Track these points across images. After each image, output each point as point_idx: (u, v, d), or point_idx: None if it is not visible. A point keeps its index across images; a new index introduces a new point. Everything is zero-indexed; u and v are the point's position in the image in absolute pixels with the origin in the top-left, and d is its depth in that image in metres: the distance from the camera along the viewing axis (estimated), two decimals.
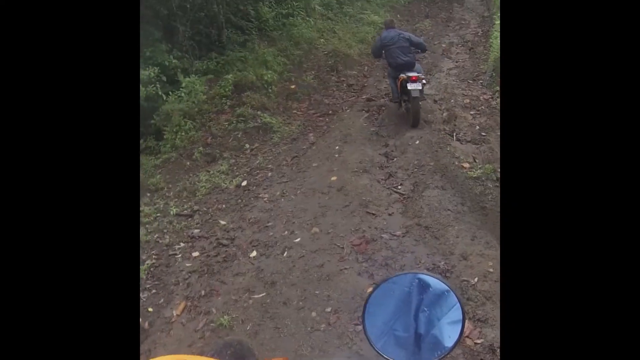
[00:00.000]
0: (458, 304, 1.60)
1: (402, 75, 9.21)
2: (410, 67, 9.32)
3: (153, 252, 7.05)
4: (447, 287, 1.66)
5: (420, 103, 9.30)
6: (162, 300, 6.13)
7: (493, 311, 5.13)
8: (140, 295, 6.20)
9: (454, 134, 9.36)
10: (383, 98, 11.75)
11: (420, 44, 9.64)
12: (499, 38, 12.30)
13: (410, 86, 8.89)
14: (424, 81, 9.15)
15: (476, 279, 5.58)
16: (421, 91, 9.06)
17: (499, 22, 14.35)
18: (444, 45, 15.93)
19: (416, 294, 1.67)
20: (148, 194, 8.51)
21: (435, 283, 1.67)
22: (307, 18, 15.41)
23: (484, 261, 5.82)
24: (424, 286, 1.67)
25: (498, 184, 7.57)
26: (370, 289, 4.81)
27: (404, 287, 1.69)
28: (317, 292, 5.73)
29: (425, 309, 1.66)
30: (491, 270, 5.67)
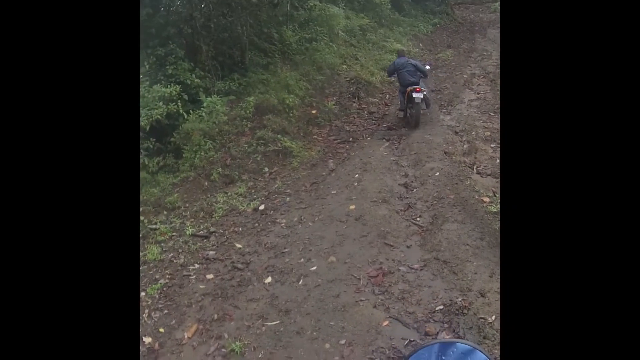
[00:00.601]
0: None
1: (409, 89, 11.17)
2: (415, 85, 11.21)
3: (167, 271, 7.00)
4: (471, 347, 1.64)
5: (421, 109, 11.35)
6: (173, 321, 6.07)
7: None
8: (152, 314, 6.15)
9: (475, 167, 9.31)
10: (404, 127, 11.72)
11: (423, 71, 11.77)
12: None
13: (414, 94, 11.05)
14: (425, 92, 11.22)
15: (494, 317, 5.50)
16: (422, 99, 11.16)
17: None
18: (465, 76, 15.94)
19: None
20: (165, 212, 8.49)
21: (463, 348, 1.65)
22: (330, 43, 15.51)
23: None
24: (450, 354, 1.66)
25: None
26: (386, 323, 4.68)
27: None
28: (331, 322, 5.65)
29: None
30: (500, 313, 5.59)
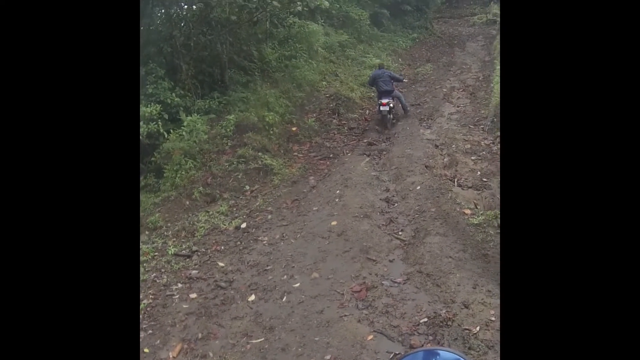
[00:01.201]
0: None
1: (379, 101, 12.80)
2: (389, 93, 12.91)
3: (150, 291, 6.95)
4: (456, 356, 1.65)
5: (387, 116, 12.85)
6: (158, 341, 6.02)
7: None
8: None
9: (455, 180, 9.37)
10: (384, 142, 11.80)
11: (397, 79, 13.52)
12: (499, 83, 12.43)
13: (381, 108, 12.68)
14: (391, 105, 12.72)
15: (478, 328, 5.51)
16: (388, 111, 12.69)
17: (499, 67, 14.52)
18: (445, 90, 16.06)
19: None
20: (147, 232, 8.45)
21: (447, 356, 1.67)
22: (310, 60, 15.56)
23: (486, 310, 5.75)
24: None
25: (499, 230, 7.54)
26: (370, 337, 4.66)
27: None
28: (316, 338, 5.64)
29: None
30: (493, 319, 5.60)
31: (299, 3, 12.46)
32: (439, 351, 1.69)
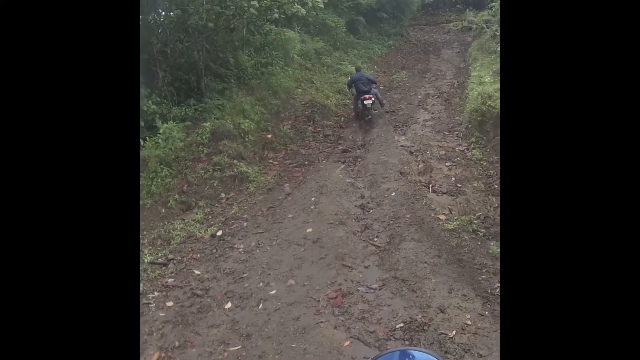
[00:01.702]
0: None
1: (362, 97, 13.89)
2: (367, 92, 13.90)
3: None
4: (430, 355, 1.67)
5: (372, 109, 14.12)
6: None
7: None
8: None
9: (430, 186, 9.46)
10: (359, 149, 11.86)
11: (373, 80, 14.71)
12: (475, 90, 12.56)
13: (365, 102, 13.83)
14: (373, 99, 13.91)
15: (454, 332, 5.57)
16: (371, 104, 13.93)
17: (475, 73, 14.68)
18: (419, 97, 16.18)
19: None
20: None
21: (421, 356, 1.68)
22: (286, 67, 15.60)
23: (462, 314, 5.82)
24: None
25: (474, 235, 7.62)
26: (347, 343, 4.68)
27: None
28: (293, 345, 5.66)
29: None
30: (469, 322, 5.67)
31: (276, 10, 12.51)
32: (414, 352, 1.72)
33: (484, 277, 6.62)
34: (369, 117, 14.18)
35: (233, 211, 9.29)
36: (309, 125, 13.68)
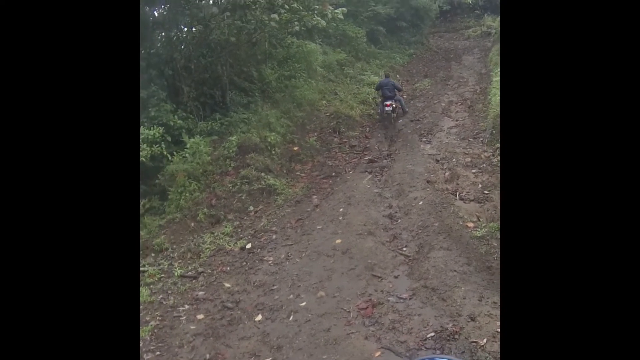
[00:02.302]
0: None
1: (384, 103, 14.44)
2: (392, 98, 14.45)
3: (157, 313, 6.98)
4: None
5: (392, 116, 14.53)
6: None
7: None
8: (144, 357, 6.11)
9: (457, 193, 9.43)
10: (385, 159, 11.88)
11: (399, 88, 15.29)
12: (497, 95, 12.49)
13: (385, 108, 14.35)
14: (393, 105, 14.39)
15: (485, 340, 5.53)
16: (392, 110, 14.38)
17: (497, 79, 14.61)
18: (443, 104, 16.15)
19: None
20: (152, 255, 8.48)
21: None
22: (309, 80, 15.66)
23: (492, 321, 5.77)
24: None
25: (500, 241, 7.56)
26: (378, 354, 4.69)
27: None
28: (324, 357, 5.67)
29: None
30: (500, 330, 5.62)
31: (296, 23, 12.61)
32: (442, 359, 1.74)
33: None
34: (391, 120, 14.68)
35: (262, 224, 9.34)
36: (335, 137, 13.72)
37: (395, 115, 14.69)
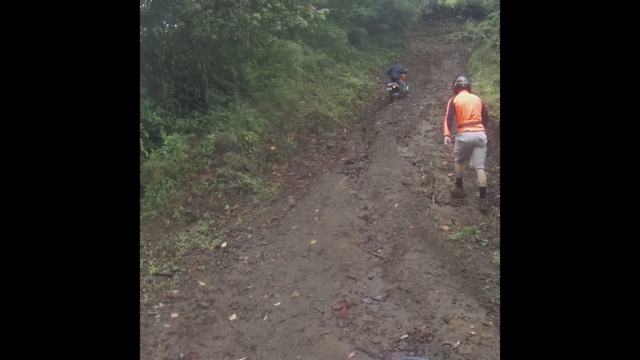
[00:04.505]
0: None
1: (390, 83, 18.04)
2: (397, 80, 17.91)
3: None
4: None
5: (394, 93, 17.94)
6: None
7: None
8: None
9: (433, 196, 9.49)
10: (362, 161, 11.93)
11: (404, 71, 18.81)
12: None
13: (387, 88, 18.15)
14: (394, 85, 17.81)
15: (458, 342, 5.55)
16: (393, 89, 17.85)
17: (475, 83, 14.74)
18: (421, 108, 16.25)
19: None
20: None
21: None
22: (289, 79, 15.68)
23: (466, 324, 5.82)
24: None
25: (477, 246, 7.65)
26: (352, 354, 4.70)
27: None
28: (298, 357, 5.66)
29: None
30: (473, 333, 5.67)
31: (278, 22, 12.60)
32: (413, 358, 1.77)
33: (487, 287, 6.64)
34: (393, 98, 17.82)
35: (237, 223, 9.33)
36: (312, 137, 13.74)
37: (397, 94, 17.92)
